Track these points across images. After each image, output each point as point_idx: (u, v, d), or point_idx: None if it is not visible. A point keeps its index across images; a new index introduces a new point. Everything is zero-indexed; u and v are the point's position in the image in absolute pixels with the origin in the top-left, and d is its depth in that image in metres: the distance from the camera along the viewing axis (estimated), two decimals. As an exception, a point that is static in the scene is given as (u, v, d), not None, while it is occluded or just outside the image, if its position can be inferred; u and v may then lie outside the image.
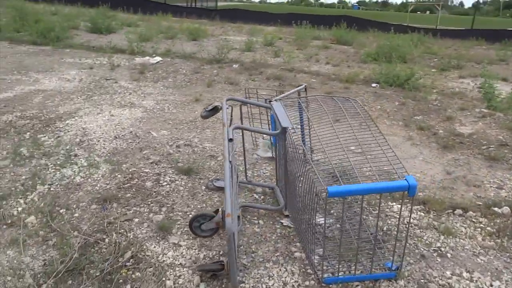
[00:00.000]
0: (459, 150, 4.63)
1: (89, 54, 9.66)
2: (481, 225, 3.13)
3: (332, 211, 3.26)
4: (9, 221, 3.10)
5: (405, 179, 2.22)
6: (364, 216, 3.20)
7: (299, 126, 3.99)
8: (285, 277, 2.52)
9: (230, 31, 16.94)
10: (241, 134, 3.58)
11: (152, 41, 11.88)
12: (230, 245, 2.20)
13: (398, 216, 3.14)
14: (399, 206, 3.37)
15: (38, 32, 10.88)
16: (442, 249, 2.83)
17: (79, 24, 14.69)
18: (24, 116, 5.27)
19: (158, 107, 5.85)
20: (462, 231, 3.04)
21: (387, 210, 3.31)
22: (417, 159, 4.40)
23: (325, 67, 9.40)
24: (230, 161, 2.64)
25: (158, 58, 9.32)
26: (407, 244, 2.87)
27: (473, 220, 3.20)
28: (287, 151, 2.89)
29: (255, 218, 3.17)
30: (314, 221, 2.40)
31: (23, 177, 3.73)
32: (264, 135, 4.35)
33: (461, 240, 2.93)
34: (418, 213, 3.27)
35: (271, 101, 3.17)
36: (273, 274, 2.55)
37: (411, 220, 3.16)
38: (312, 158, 4.13)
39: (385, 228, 3.06)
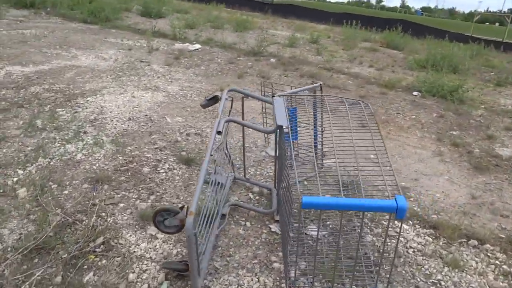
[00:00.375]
0: (493, 173, 4.15)
1: (132, 36, 9.82)
2: (497, 262, 2.72)
3: (328, 223, 2.99)
4: (1, 191, 3.11)
5: (395, 199, 1.92)
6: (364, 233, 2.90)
7: (313, 127, 3.73)
8: (255, 289, 2.31)
9: (279, 26, 16.68)
10: (241, 129, 3.37)
11: (197, 29, 11.91)
12: (190, 247, 2.01)
13: (402, 238, 2.82)
14: (405, 226, 3.03)
15: (89, 11, 11.24)
16: (443, 283, 2.48)
17: (132, 7, 15.07)
18: (50, 89, 5.38)
19: (181, 93, 5.77)
20: (471, 265, 2.66)
21: (391, 229, 2.98)
22: (442, 177, 3.98)
23: (366, 70, 8.94)
24: (211, 155, 2.45)
25: (197, 46, 9.29)
26: (403, 271, 2.55)
27: (489, 254, 2.80)
28: (280, 151, 2.66)
29: (243, 219, 2.96)
30: (289, 232, 2.16)
31: (29, 148, 3.76)
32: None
33: (468, 276, 2.56)
34: (426, 237, 2.92)
35: (274, 96, 2.94)
36: (243, 283, 2.34)
37: (414, 245, 2.82)
38: (323, 163, 3.85)
39: (386, 248, 2.74)
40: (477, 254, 2.79)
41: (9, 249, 2.49)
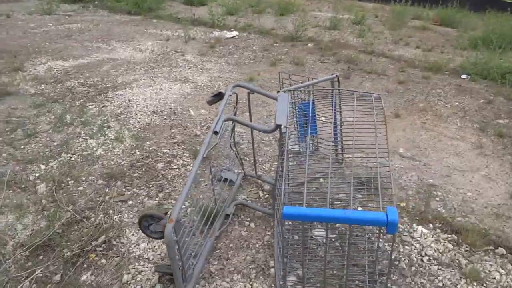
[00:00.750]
0: (540, 169, 3.70)
1: (172, 26, 9.92)
2: (526, 275, 2.42)
3: (337, 225, 2.81)
4: (23, 186, 3.27)
5: (386, 212, 1.73)
6: (373, 238, 2.70)
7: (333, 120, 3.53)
8: (246, 296, 2.23)
9: (325, 7, 16.06)
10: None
11: (238, 15, 11.79)
12: (170, 254, 1.97)
13: (417, 244, 2.60)
14: (424, 230, 2.77)
15: (133, 2, 11.49)
16: (456, 297, 2.25)
17: (177, -5, 15.22)
18: (85, 83, 5.57)
19: (209, 84, 5.73)
20: (494, 278, 2.38)
21: (405, 234, 2.75)
22: (478, 173, 3.61)
23: (412, 52, 8.35)
24: (204, 157, 2.38)
25: (234, 33, 9.19)
26: (412, 283, 2.34)
27: (518, 265, 2.50)
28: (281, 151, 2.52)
29: (248, 219, 2.88)
30: (281, 237, 2.05)
31: (55, 143, 3.92)
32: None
33: (488, 290, 2.30)
34: (445, 244, 2.66)
35: (278, 91, 2.79)
36: (236, 289, 2.27)
37: (430, 252, 2.58)
38: (343, 158, 3.64)
39: (392, 257, 2.53)
40: (503, 264, 2.50)
41: (18, 245, 2.61)
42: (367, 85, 5.88)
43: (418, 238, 2.69)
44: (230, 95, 2.84)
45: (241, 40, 8.70)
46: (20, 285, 2.26)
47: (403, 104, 5.20)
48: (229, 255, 2.53)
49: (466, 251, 2.60)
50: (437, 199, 3.19)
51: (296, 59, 7.09)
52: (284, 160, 2.12)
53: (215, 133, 2.48)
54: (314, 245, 2.60)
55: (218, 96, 2.90)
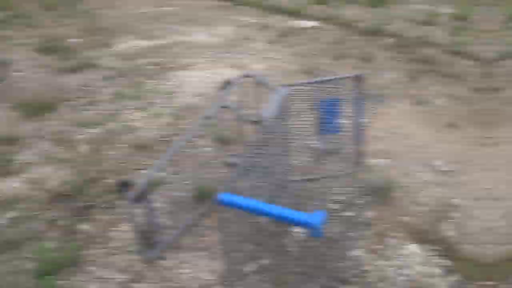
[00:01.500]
0: None
1: (255, 13, 10.12)
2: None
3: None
4: (70, 145, 3.81)
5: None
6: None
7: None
8: (203, 272, 2.39)
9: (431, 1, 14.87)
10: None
11: (328, 5, 11.58)
12: (130, 221, 2.22)
13: (399, 261, 2.48)
14: (415, 249, 2.59)
15: (226, -12, 11.99)
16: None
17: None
18: (152, 62, 6.11)
19: (263, 73, 5.85)
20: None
21: (390, 250, 2.60)
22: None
23: None
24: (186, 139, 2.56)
25: (312, 23, 9.11)
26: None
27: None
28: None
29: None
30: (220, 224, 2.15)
31: (107, 112, 4.45)
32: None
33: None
34: (435, 269, 2.44)
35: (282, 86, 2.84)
36: (197, 264, 2.44)
37: (409, 272, 2.42)
38: (360, 162, 3.52)
39: (371, 268, 2.45)
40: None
41: (46, 190, 3.10)
42: (434, 89, 5.45)
43: (404, 256, 2.54)
44: (236, 85, 2.97)
45: (317, 31, 8.60)
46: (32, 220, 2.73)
47: (467, 114, 4.68)
48: (207, 234, 2.70)
49: (458, 280, 2.37)
50: (453, 220, 2.91)
51: (365, 55, 6.84)
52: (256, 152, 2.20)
53: (207, 117, 2.64)
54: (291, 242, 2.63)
55: (229, 84, 3.05)
